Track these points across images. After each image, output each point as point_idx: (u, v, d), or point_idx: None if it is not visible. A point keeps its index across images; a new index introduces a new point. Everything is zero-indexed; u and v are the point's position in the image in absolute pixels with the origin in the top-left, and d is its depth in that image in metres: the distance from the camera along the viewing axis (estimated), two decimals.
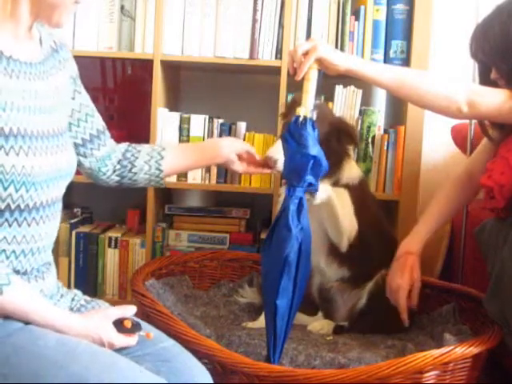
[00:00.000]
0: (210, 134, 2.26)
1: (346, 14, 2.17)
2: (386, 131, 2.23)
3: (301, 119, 1.43)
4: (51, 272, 1.30)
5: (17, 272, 1.19)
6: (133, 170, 1.55)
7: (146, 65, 2.23)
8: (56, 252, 2.33)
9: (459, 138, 2.24)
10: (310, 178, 1.44)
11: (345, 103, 2.20)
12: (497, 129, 1.67)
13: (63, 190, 1.30)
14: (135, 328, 1.22)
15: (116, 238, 2.33)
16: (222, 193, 2.39)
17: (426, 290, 1.84)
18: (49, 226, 1.25)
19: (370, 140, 2.20)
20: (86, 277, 2.34)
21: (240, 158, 1.68)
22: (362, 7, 2.18)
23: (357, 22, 2.18)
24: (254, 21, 2.19)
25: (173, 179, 2.26)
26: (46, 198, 1.22)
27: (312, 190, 1.49)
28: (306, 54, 1.49)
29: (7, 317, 1.13)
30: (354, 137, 1.83)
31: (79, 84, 1.44)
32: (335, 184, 1.78)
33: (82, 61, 2.31)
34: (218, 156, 1.65)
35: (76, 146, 1.42)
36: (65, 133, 1.31)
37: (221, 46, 2.21)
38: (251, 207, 2.41)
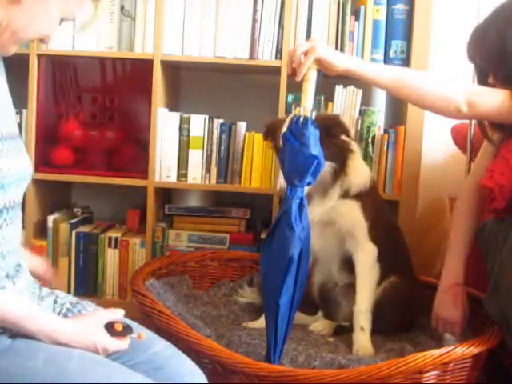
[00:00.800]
0: (210, 134, 2.26)
1: (346, 14, 2.17)
2: (386, 131, 2.23)
3: (301, 119, 1.44)
4: (22, 275, 1.23)
5: None
6: None
7: (146, 65, 2.22)
8: (56, 252, 2.34)
9: (459, 138, 2.24)
10: (309, 178, 1.44)
11: (345, 103, 2.20)
12: (496, 130, 1.67)
13: (22, 195, 1.24)
14: (126, 331, 1.19)
15: (116, 238, 2.33)
16: (221, 193, 2.39)
17: (426, 290, 1.84)
18: (13, 230, 1.19)
19: (370, 140, 2.20)
20: (86, 277, 2.34)
21: None
22: (362, 7, 2.18)
23: (357, 22, 2.18)
24: (254, 21, 2.19)
25: (173, 179, 2.27)
26: (10, 199, 1.17)
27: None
28: (305, 54, 1.49)
29: None
30: (342, 124, 1.75)
31: None
32: (345, 195, 1.74)
33: (82, 61, 2.36)
34: None
35: None
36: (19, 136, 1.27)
37: (221, 46, 2.21)
38: (251, 207, 2.41)
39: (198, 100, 2.52)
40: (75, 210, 2.51)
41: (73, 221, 2.38)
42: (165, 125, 2.26)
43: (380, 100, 2.49)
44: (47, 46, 1.21)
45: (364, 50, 2.19)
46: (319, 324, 1.83)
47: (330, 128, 1.68)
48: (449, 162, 2.49)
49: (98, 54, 2.25)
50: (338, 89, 2.19)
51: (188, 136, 2.26)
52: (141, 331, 1.23)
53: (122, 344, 1.18)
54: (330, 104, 2.20)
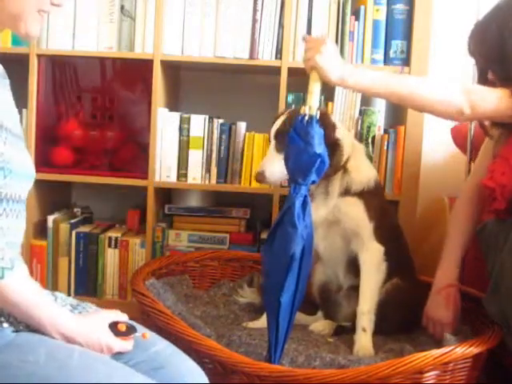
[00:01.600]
0: (210, 134, 2.26)
1: (346, 14, 2.17)
2: (385, 131, 2.23)
3: (306, 118, 1.44)
4: None
5: None
6: None
7: (145, 65, 2.22)
8: (56, 252, 2.34)
9: (459, 138, 2.24)
10: (313, 176, 1.45)
11: (345, 103, 2.20)
12: (498, 128, 1.67)
13: (26, 193, 1.23)
14: (130, 331, 1.19)
15: (116, 238, 2.33)
16: (221, 193, 2.39)
17: (426, 291, 1.84)
18: (13, 224, 1.16)
19: (369, 140, 2.20)
20: (86, 277, 2.34)
21: None
22: (362, 7, 2.18)
23: (357, 22, 2.18)
24: (254, 21, 2.19)
25: (173, 179, 2.27)
26: (12, 191, 1.15)
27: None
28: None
29: None
30: (332, 123, 1.71)
31: None
32: (346, 193, 1.74)
33: (82, 61, 2.36)
34: None
35: None
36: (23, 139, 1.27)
37: (221, 46, 2.21)
38: (251, 207, 2.41)
39: (197, 100, 2.52)
40: (75, 209, 2.51)
41: (73, 221, 2.38)
42: (165, 125, 2.26)
43: (380, 100, 2.49)
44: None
45: (364, 50, 2.19)
46: (319, 324, 1.83)
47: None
48: (449, 162, 2.49)
49: (98, 54, 2.25)
50: (338, 89, 2.18)
51: (188, 136, 2.26)
52: (142, 331, 1.23)
53: (126, 345, 1.18)
54: (330, 104, 2.20)
